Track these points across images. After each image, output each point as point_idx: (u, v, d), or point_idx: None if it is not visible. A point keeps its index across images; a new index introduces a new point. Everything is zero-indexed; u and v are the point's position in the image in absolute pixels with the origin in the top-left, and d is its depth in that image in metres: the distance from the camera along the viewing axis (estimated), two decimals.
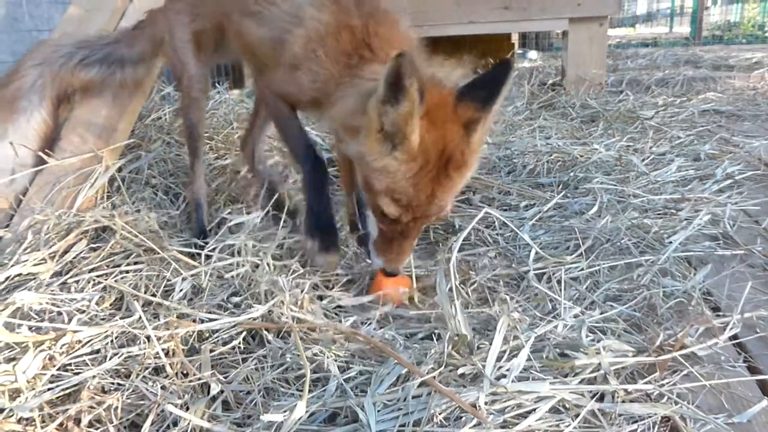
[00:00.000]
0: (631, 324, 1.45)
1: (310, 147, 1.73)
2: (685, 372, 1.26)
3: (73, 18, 2.63)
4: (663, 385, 1.22)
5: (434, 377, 1.15)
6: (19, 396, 1.18)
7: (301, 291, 1.54)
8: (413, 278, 1.65)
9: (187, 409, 1.14)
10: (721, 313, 1.51)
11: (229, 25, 1.92)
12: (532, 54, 8.52)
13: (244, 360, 1.33)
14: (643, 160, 2.71)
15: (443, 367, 1.20)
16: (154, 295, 1.51)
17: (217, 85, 4.29)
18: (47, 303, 1.45)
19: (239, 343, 1.37)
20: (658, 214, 2.12)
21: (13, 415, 1.14)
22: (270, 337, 1.39)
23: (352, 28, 1.55)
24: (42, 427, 1.12)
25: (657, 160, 2.77)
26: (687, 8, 14.29)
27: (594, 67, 4.43)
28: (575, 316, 1.41)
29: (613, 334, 1.39)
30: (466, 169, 1.42)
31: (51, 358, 1.27)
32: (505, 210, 2.25)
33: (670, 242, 1.81)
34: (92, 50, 2.07)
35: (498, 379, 1.15)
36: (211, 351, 1.33)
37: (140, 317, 1.37)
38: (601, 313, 1.45)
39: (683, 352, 1.29)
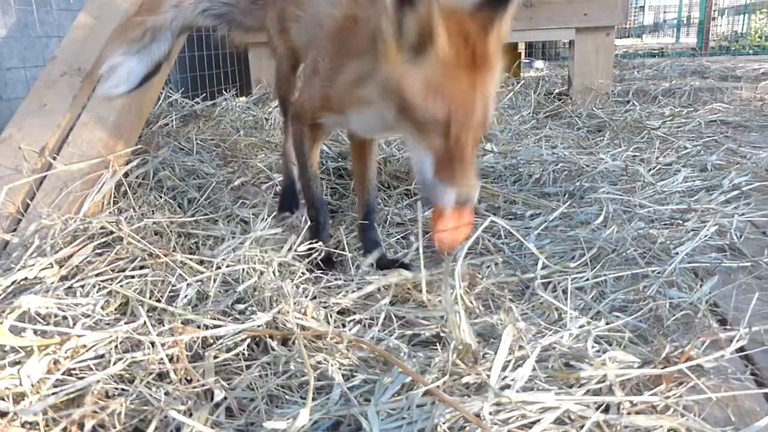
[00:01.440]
0: (637, 335, 1.44)
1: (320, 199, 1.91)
2: (691, 384, 1.25)
3: (84, 25, 2.66)
4: (669, 397, 1.21)
5: (438, 386, 1.15)
6: (23, 400, 1.18)
7: (306, 297, 1.54)
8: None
9: (191, 415, 1.14)
10: (728, 326, 1.50)
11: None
12: (539, 63, 8.54)
13: (248, 367, 1.33)
14: (650, 170, 2.71)
15: (447, 376, 1.20)
16: (159, 301, 1.51)
17: (224, 92, 4.32)
18: (53, 307, 1.45)
19: (243, 350, 1.37)
20: (665, 224, 2.11)
21: (17, 419, 1.14)
22: (274, 344, 1.38)
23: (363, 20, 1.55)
24: None
25: (663, 170, 2.76)
26: (694, 19, 14.31)
27: (600, 77, 4.43)
28: (580, 327, 1.40)
29: (618, 345, 1.38)
30: (492, 67, 1.39)
31: (56, 362, 1.27)
32: (511, 219, 2.25)
33: (677, 253, 1.80)
34: (213, 4, 2.28)
35: (502, 389, 1.14)
36: (215, 357, 1.33)
37: (145, 322, 1.37)
38: (607, 324, 1.44)
39: (689, 364, 1.28)
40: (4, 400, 1.17)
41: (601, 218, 2.12)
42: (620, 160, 2.85)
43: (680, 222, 2.12)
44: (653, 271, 1.71)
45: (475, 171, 1.43)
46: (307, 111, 1.81)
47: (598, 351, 1.32)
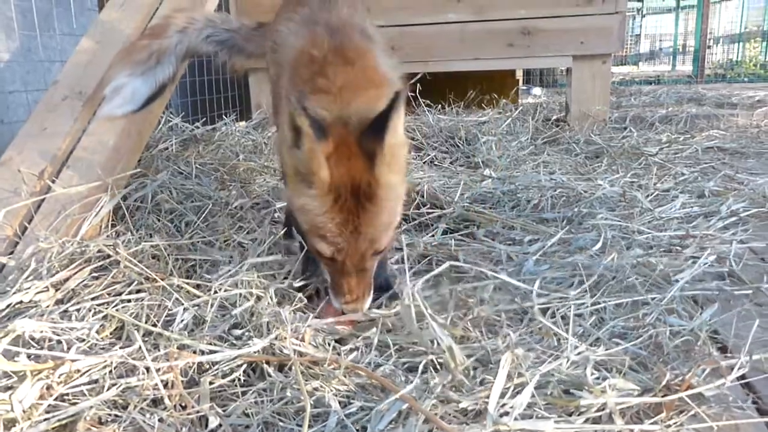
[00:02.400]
0: (637, 362, 1.43)
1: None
2: (692, 412, 1.24)
3: (86, 50, 2.68)
4: (670, 425, 1.19)
5: (436, 414, 1.13)
6: (14, 426, 1.16)
7: (303, 323, 1.53)
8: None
9: None
10: (728, 353, 1.49)
11: None
12: (536, 90, 8.63)
13: (244, 393, 1.31)
14: (648, 196, 2.72)
15: (445, 403, 1.18)
16: (154, 325, 1.50)
17: (224, 117, 4.35)
18: (47, 331, 1.44)
19: (239, 376, 1.35)
20: (663, 250, 2.11)
21: None
22: (270, 370, 1.37)
23: (314, 57, 1.57)
24: None
25: (661, 196, 2.77)
26: (689, 47, 14.51)
27: (598, 104, 4.48)
28: (580, 353, 1.39)
29: (618, 372, 1.36)
30: (378, 199, 1.43)
31: (49, 387, 1.26)
32: (509, 244, 2.25)
33: (676, 280, 1.79)
34: (216, 30, 2.32)
35: (501, 416, 1.13)
36: (211, 383, 1.31)
37: (140, 347, 1.36)
38: (606, 350, 1.43)
39: (690, 392, 1.26)
40: None
41: (599, 244, 2.11)
42: (618, 186, 2.86)
43: (679, 248, 2.11)
44: (653, 298, 1.70)
45: (363, 288, 1.53)
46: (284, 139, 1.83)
47: (597, 378, 1.30)
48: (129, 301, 1.62)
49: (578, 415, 1.20)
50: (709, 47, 11.63)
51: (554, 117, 5.01)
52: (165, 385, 1.28)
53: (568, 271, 1.93)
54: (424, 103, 4.30)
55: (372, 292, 1.59)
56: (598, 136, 4.09)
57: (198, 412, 1.22)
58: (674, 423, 1.20)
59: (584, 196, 2.72)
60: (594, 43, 4.41)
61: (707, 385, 1.29)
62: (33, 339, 1.43)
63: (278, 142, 1.73)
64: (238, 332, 1.51)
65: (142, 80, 2.24)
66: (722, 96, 6.60)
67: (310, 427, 1.12)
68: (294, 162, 1.44)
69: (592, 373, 1.30)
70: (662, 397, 1.25)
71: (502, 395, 1.18)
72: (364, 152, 1.40)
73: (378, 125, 1.40)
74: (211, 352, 1.40)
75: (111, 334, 1.51)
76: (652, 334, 1.54)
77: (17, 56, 3.28)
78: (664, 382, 1.28)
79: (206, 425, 1.19)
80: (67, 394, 1.27)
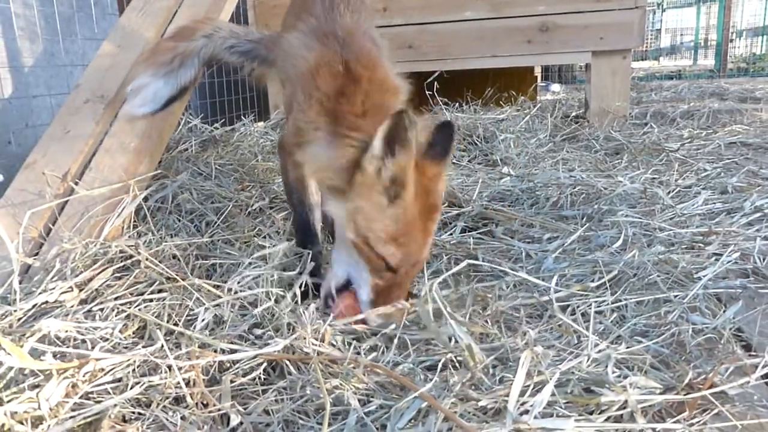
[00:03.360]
0: (659, 360, 1.42)
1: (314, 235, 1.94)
2: (715, 411, 1.22)
3: (107, 53, 2.72)
4: (693, 424, 1.18)
5: (455, 412, 1.13)
6: (41, 424, 1.19)
7: (323, 323, 1.54)
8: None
9: None
10: (752, 352, 1.47)
11: None
12: (555, 87, 8.56)
13: (264, 391, 1.32)
14: (669, 192, 2.68)
15: (464, 401, 1.18)
16: (176, 324, 1.52)
17: (242, 117, 4.39)
18: (72, 331, 1.47)
19: (260, 375, 1.36)
20: (686, 248, 2.08)
21: None
22: (291, 368, 1.38)
23: (336, 72, 1.61)
24: None
25: (683, 192, 2.73)
26: (711, 41, 14.27)
27: (617, 100, 4.43)
28: (601, 351, 1.38)
29: (640, 370, 1.35)
30: (438, 214, 1.57)
31: (74, 385, 1.28)
32: (528, 242, 2.24)
33: (699, 278, 1.77)
34: (239, 41, 2.33)
35: (521, 414, 1.13)
36: (232, 382, 1.33)
37: (162, 346, 1.38)
38: (628, 348, 1.42)
39: (713, 390, 1.25)
40: (22, 424, 1.18)
41: (620, 241, 2.09)
42: (639, 182, 2.83)
43: (702, 245, 2.08)
44: (675, 296, 1.68)
45: (401, 298, 1.56)
46: (287, 144, 1.87)
47: (618, 376, 1.29)
48: (151, 300, 1.64)
49: (599, 413, 1.19)
50: (731, 41, 11.43)
51: (573, 114, 4.97)
52: (187, 384, 1.30)
53: (588, 268, 1.92)
54: (441, 101, 4.29)
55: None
56: (618, 132, 4.05)
57: (219, 410, 1.23)
58: (697, 422, 1.19)
59: (604, 193, 2.69)
60: (613, 39, 4.36)
61: (731, 384, 1.27)
62: (58, 338, 1.46)
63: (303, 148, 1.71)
64: (258, 332, 1.52)
65: (164, 81, 2.26)
66: (745, 90, 6.48)
67: (329, 425, 1.13)
68: (378, 169, 1.45)
69: (613, 372, 1.29)
70: (685, 395, 1.24)
71: (522, 393, 1.18)
72: (429, 171, 1.51)
73: (438, 148, 1.52)
74: (232, 351, 1.41)
75: (134, 333, 1.53)
76: (675, 332, 1.52)
77: (41, 61, 3.35)
78: (686, 381, 1.27)
79: (227, 423, 1.20)
80: (92, 393, 1.29)
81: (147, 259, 1.76)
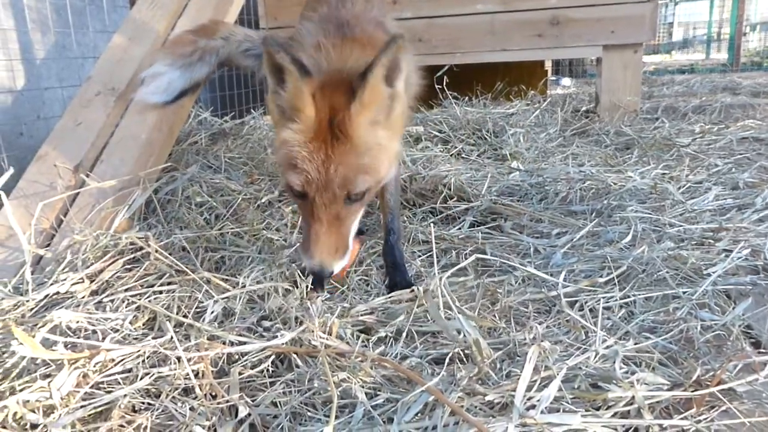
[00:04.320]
0: (667, 357, 1.41)
1: None
2: (723, 408, 1.22)
3: (118, 46, 2.73)
4: (700, 421, 1.18)
5: (462, 406, 1.14)
6: (53, 412, 1.20)
7: (331, 315, 1.55)
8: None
9: (215, 431, 1.15)
10: (762, 349, 1.46)
11: None
12: (566, 81, 8.50)
13: (272, 383, 1.33)
14: (679, 188, 2.66)
15: (471, 396, 1.19)
16: (185, 316, 1.53)
17: (252, 111, 4.39)
18: (83, 321, 1.48)
19: (268, 367, 1.37)
20: (695, 244, 2.06)
21: (46, 431, 1.16)
22: (299, 361, 1.39)
23: (322, 43, 1.64)
24: None
25: (693, 188, 2.71)
26: (724, 34, 14.12)
27: (628, 94, 4.39)
28: (608, 347, 1.38)
29: (647, 366, 1.35)
30: (352, 135, 1.43)
31: (85, 375, 1.30)
32: (537, 237, 2.23)
33: (708, 274, 1.76)
34: (254, 45, 2.37)
35: (528, 409, 1.13)
36: (240, 374, 1.34)
37: (172, 337, 1.39)
38: (636, 344, 1.42)
39: (721, 387, 1.24)
40: (34, 412, 1.19)
41: (629, 237, 2.09)
42: (649, 178, 2.81)
43: (712, 241, 2.07)
44: (684, 292, 1.67)
45: (333, 243, 1.46)
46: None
47: (626, 372, 1.29)
48: (161, 292, 1.66)
49: (606, 409, 1.19)
50: (744, 34, 11.28)
51: (584, 108, 4.94)
52: (195, 375, 1.31)
53: (597, 264, 1.91)
54: (451, 95, 4.28)
55: (348, 249, 1.51)
56: (629, 127, 4.02)
57: (227, 401, 1.24)
58: (705, 418, 1.19)
59: (614, 189, 2.68)
60: (625, 33, 4.32)
61: (739, 381, 1.27)
62: (69, 329, 1.48)
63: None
64: (267, 324, 1.53)
65: (180, 72, 2.28)
66: (758, 85, 6.41)
67: (337, 417, 1.14)
68: (277, 104, 1.48)
69: (621, 367, 1.29)
70: (692, 392, 1.23)
71: (529, 388, 1.18)
72: (348, 91, 1.43)
73: (366, 70, 1.42)
74: (241, 343, 1.42)
75: (143, 324, 1.54)
76: (683, 328, 1.51)
77: (52, 53, 3.37)
78: (694, 377, 1.26)
79: (236, 414, 1.21)
80: (102, 383, 1.31)
81: (156, 251, 1.78)
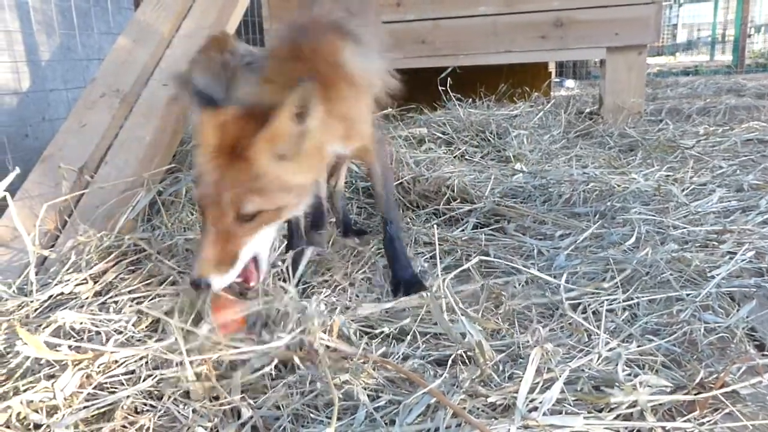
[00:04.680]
0: (670, 359, 1.41)
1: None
2: (726, 411, 1.21)
3: (122, 48, 2.75)
4: (703, 423, 1.17)
5: (464, 408, 1.14)
6: (56, 413, 1.21)
7: (332, 316, 1.54)
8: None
9: None
10: (765, 351, 1.46)
11: None
12: (569, 82, 8.50)
13: (275, 386, 1.33)
14: (683, 190, 2.65)
15: (473, 398, 1.19)
16: (185, 322, 1.53)
17: None
18: (87, 323, 1.49)
19: (270, 370, 1.37)
20: (699, 246, 2.06)
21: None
22: (300, 363, 1.39)
23: (275, 54, 1.69)
24: None
25: (698, 190, 2.70)
26: (729, 36, 14.08)
27: (632, 96, 4.38)
28: (611, 349, 1.38)
29: (650, 369, 1.35)
30: (246, 159, 1.45)
31: (88, 376, 1.30)
32: (540, 239, 2.23)
33: (713, 276, 1.76)
34: (255, 59, 2.37)
35: (530, 411, 1.13)
36: (242, 376, 1.34)
37: (176, 339, 1.39)
38: (639, 347, 1.41)
39: (725, 390, 1.24)
40: (38, 412, 1.20)
41: (633, 239, 2.08)
42: (653, 179, 2.80)
43: (716, 243, 2.06)
44: (688, 295, 1.67)
45: (219, 257, 1.43)
46: None
47: (629, 375, 1.29)
48: (164, 295, 1.66)
49: (608, 411, 1.18)
50: (749, 36, 11.25)
51: (587, 110, 4.93)
52: (198, 377, 1.31)
53: (601, 266, 1.91)
54: (454, 96, 4.28)
55: (236, 269, 1.48)
56: (633, 128, 4.01)
57: (230, 403, 1.24)
58: (708, 421, 1.19)
59: (617, 190, 2.67)
60: (629, 34, 4.31)
61: (743, 383, 1.26)
62: (73, 330, 1.49)
63: None
64: (268, 327, 1.52)
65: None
66: (763, 86, 6.38)
67: (339, 419, 1.14)
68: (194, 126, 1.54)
69: (624, 370, 1.29)
70: (696, 394, 1.23)
71: (531, 390, 1.18)
72: (255, 129, 1.45)
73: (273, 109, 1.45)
74: (240, 348, 1.42)
75: (147, 327, 1.55)
76: (687, 330, 1.51)
77: (57, 55, 3.38)
78: (697, 380, 1.26)
79: (238, 416, 1.22)
80: (106, 384, 1.31)
81: (159, 253, 1.78)
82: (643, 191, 2.66)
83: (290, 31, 1.75)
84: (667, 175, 2.93)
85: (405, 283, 1.80)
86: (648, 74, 7.29)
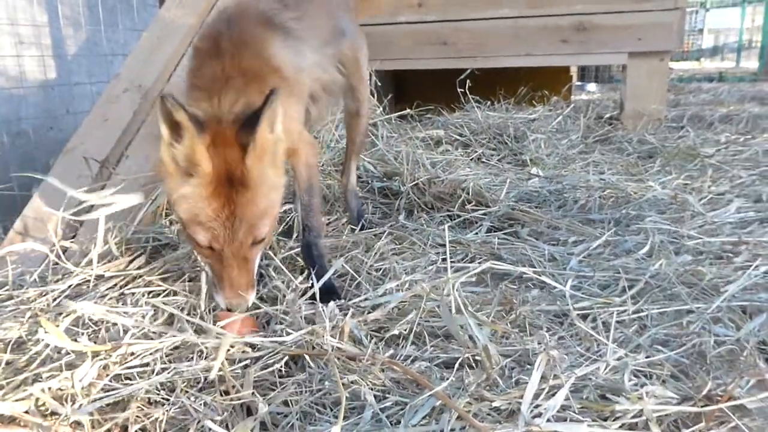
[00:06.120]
0: (678, 370, 1.41)
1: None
2: (732, 424, 1.21)
3: (147, 44, 2.80)
4: None
5: (469, 411, 1.15)
6: (73, 402, 1.25)
7: (344, 315, 1.57)
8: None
9: (227, 426, 1.18)
10: None
11: None
12: (591, 87, 8.43)
13: (283, 383, 1.35)
14: (701, 199, 2.63)
15: (479, 401, 1.20)
16: (202, 318, 1.57)
17: None
18: (105, 314, 1.53)
19: (281, 367, 1.40)
20: (714, 257, 2.04)
21: (67, 420, 1.20)
22: (310, 362, 1.41)
23: (201, 51, 1.68)
24: None
25: (715, 200, 2.68)
26: (756, 42, 13.85)
27: (653, 102, 4.34)
28: (619, 358, 1.38)
29: (658, 379, 1.35)
30: (252, 186, 1.48)
31: (105, 367, 1.34)
32: (554, 245, 2.23)
33: (726, 290, 1.74)
34: None
35: (534, 417, 1.14)
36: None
37: (189, 333, 1.43)
38: (647, 357, 1.41)
39: (732, 403, 1.24)
40: (56, 401, 1.24)
41: (646, 248, 2.08)
42: (670, 188, 2.78)
43: (731, 255, 2.05)
44: (698, 307, 1.66)
45: (246, 281, 1.52)
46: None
47: (635, 385, 1.29)
48: (176, 293, 1.69)
49: (613, 420, 1.19)
50: None
51: (607, 115, 4.89)
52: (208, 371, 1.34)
53: (612, 274, 1.91)
54: (473, 99, 4.28)
55: (256, 286, 1.57)
56: (653, 135, 3.97)
57: (240, 398, 1.27)
58: None
59: (634, 198, 2.66)
60: (652, 40, 4.27)
61: (751, 397, 1.26)
62: (91, 321, 1.53)
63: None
64: (277, 327, 1.55)
65: None
66: None
67: (345, 419, 1.16)
68: (172, 156, 1.47)
69: (631, 380, 1.29)
70: (702, 407, 1.23)
71: (537, 396, 1.19)
72: (239, 145, 1.47)
73: (252, 121, 1.46)
74: (254, 345, 1.45)
75: (163, 322, 1.58)
76: (696, 342, 1.50)
77: (83, 49, 3.45)
78: (705, 392, 1.26)
79: (248, 411, 1.24)
80: (121, 375, 1.35)
81: (176, 248, 1.82)
82: (660, 199, 2.64)
83: (215, 23, 1.73)
84: (685, 184, 2.91)
85: (322, 290, 1.69)
86: (671, 80, 7.19)
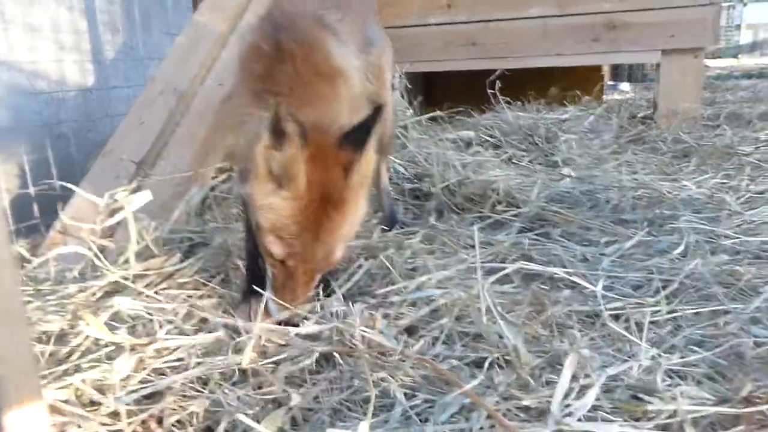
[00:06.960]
0: (715, 371, 1.38)
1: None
2: None
3: (181, 48, 2.86)
4: None
5: (498, 410, 1.15)
6: (112, 393, 1.28)
7: (375, 312, 1.58)
8: None
9: (258, 420, 1.20)
10: None
11: None
12: (624, 86, 8.29)
13: (314, 380, 1.37)
14: (738, 198, 2.57)
15: (508, 401, 1.20)
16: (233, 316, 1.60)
17: None
18: (141, 310, 1.57)
19: (311, 364, 1.41)
20: (751, 257, 1.99)
21: (106, 410, 1.24)
22: (341, 360, 1.42)
23: (264, 53, 1.55)
24: (127, 423, 1.21)
25: (753, 199, 2.61)
26: None
27: (688, 101, 4.24)
28: (652, 358, 1.36)
29: (692, 380, 1.33)
30: (346, 210, 1.42)
31: (142, 360, 1.38)
32: (585, 245, 2.20)
33: (765, 290, 1.70)
34: None
35: (564, 416, 1.13)
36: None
37: (223, 331, 1.46)
38: (681, 358, 1.39)
39: None
40: (96, 391, 1.28)
41: (681, 248, 2.04)
42: (706, 187, 2.72)
43: None
44: (735, 308, 1.63)
45: (304, 298, 1.48)
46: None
47: (669, 385, 1.27)
48: (209, 295, 1.73)
49: (646, 420, 1.17)
50: None
51: (641, 114, 4.80)
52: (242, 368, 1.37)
53: (645, 274, 1.88)
54: (503, 99, 4.25)
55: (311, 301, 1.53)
56: (688, 134, 3.89)
57: (272, 393, 1.29)
58: None
59: (668, 198, 2.61)
60: (685, 37, 4.18)
61: None
62: (129, 316, 1.57)
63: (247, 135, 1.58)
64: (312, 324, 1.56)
65: None
66: None
67: (374, 416, 1.17)
68: (268, 162, 1.39)
69: (664, 380, 1.27)
70: (741, 408, 1.20)
71: (567, 396, 1.18)
72: (340, 163, 1.40)
73: (358, 138, 1.39)
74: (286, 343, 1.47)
75: (198, 322, 1.61)
76: (734, 343, 1.47)
77: (120, 54, 3.54)
78: (743, 393, 1.23)
79: (279, 406, 1.26)
80: (156, 369, 1.38)
81: (211, 246, 1.85)
82: (695, 199, 2.59)
83: (267, 27, 1.62)
84: (722, 183, 2.84)
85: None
86: (707, 77, 7.04)
